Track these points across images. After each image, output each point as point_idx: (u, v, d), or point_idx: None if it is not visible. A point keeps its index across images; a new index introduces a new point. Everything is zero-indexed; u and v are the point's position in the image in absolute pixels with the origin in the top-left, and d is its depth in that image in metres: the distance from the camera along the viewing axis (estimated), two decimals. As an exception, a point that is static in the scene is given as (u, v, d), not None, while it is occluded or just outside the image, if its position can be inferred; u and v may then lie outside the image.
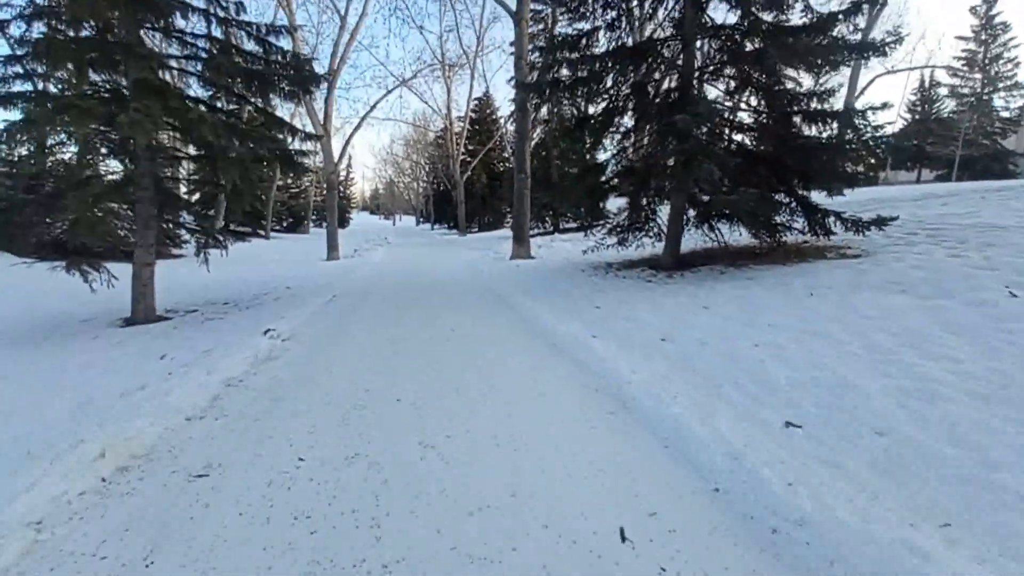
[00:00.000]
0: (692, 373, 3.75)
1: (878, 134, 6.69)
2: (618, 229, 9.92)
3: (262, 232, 28.50)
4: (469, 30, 30.76)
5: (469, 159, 31.27)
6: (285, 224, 34.70)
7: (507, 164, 35.81)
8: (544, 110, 23.48)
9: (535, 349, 4.77)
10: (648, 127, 8.65)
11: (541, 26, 18.16)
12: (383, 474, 2.57)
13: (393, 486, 2.46)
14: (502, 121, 33.53)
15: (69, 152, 8.70)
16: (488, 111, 34.60)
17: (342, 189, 54.98)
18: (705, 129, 6.93)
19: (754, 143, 7.47)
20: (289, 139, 8.96)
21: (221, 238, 9.72)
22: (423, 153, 45.78)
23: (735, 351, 3.94)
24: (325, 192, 16.87)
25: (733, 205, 6.33)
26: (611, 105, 8.42)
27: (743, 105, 8.12)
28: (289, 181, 35.36)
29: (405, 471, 2.60)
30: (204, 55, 7.29)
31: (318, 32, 20.54)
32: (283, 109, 24.38)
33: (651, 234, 10.01)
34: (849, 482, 2.26)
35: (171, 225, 8.71)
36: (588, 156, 23.45)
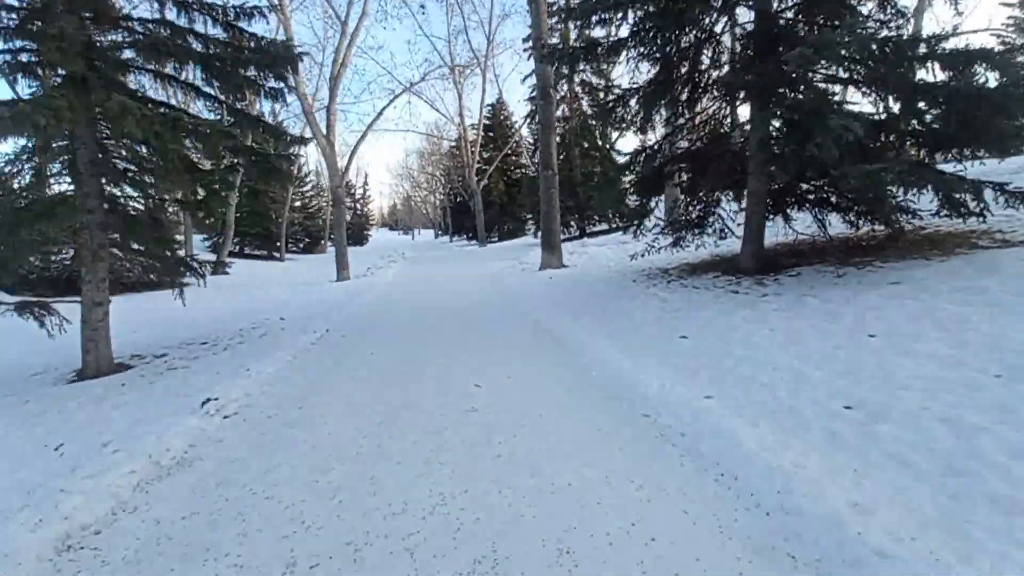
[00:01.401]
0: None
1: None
2: (673, 227, 7.97)
3: (276, 254, 27.30)
4: (478, 31, 29.30)
5: (485, 166, 29.63)
6: (302, 245, 33.53)
7: (524, 170, 34.09)
8: (563, 109, 21.68)
9: (619, 432, 2.85)
10: (716, 90, 6.73)
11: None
12: None
13: None
14: (517, 125, 31.85)
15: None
16: (502, 116, 32.98)
17: (359, 207, 54.11)
18: (822, 74, 4.97)
19: (876, 97, 5.45)
20: (271, 143, 7.32)
21: (195, 268, 8.11)
22: (438, 165, 44.43)
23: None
24: (316, 206, 15.28)
25: (870, 180, 4.33)
26: (666, 67, 6.50)
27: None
28: (305, 201, 34.30)
29: None
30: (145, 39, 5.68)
31: (323, 47, 19.22)
32: (294, 123, 23.12)
33: (712, 231, 8.05)
34: None
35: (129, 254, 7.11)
36: (610, 149, 21.59)
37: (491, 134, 31.45)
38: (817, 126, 4.34)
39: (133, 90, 5.84)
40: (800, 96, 4.71)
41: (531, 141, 37.02)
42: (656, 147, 7.33)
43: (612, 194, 8.04)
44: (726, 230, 8.16)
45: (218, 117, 6.74)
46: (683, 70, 6.77)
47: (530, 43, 21.14)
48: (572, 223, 21.43)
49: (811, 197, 7.40)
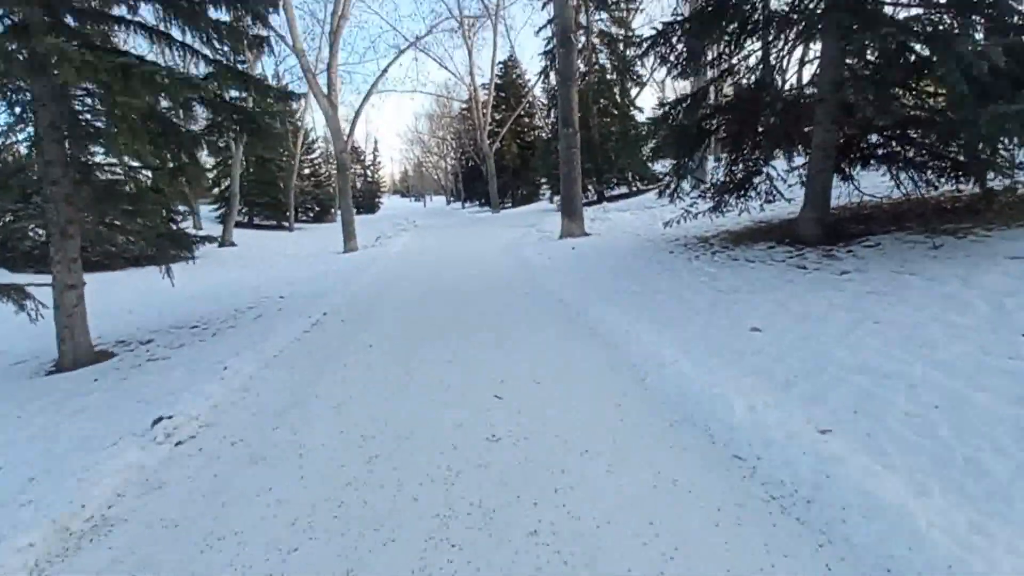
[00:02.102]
0: None
1: None
2: (715, 190, 6.92)
3: (286, 224, 26.57)
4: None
5: (497, 128, 28.16)
6: (312, 214, 32.72)
7: (538, 132, 32.49)
8: (580, 63, 20.07)
9: (708, 492, 1.92)
10: (772, 25, 5.55)
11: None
12: None
13: None
14: (530, 83, 30.09)
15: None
16: (514, 75, 31.16)
17: (369, 174, 52.86)
18: None
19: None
20: (255, 98, 6.39)
21: (184, 241, 7.36)
22: (448, 128, 42.79)
23: None
24: (332, 173, 14.36)
25: (1001, 127, 3.27)
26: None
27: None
28: (313, 168, 33.29)
29: None
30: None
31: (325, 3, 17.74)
32: (299, 86, 21.87)
33: (757, 193, 7.01)
34: None
35: (106, 228, 6.32)
36: (630, 104, 19.94)
37: (503, 94, 29.78)
38: (939, 55, 3.28)
39: (91, 39, 4.89)
40: (893, 26, 3.62)
41: (544, 101, 35.17)
42: (700, 95, 6.20)
43: (634, 152, 6.95)
44: (774, 192, 7.11)
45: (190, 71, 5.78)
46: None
47: (545, -11, 19.44)
48: (590, 187, 20.18)
49: (880, 152, 6.30)
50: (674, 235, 7.92)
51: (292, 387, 3.55)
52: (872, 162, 6.42)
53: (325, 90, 13.24)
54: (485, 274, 7.49)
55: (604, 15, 19.23)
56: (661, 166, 21.24)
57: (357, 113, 15.16)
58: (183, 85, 4.33)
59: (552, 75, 21.27)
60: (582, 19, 18.91)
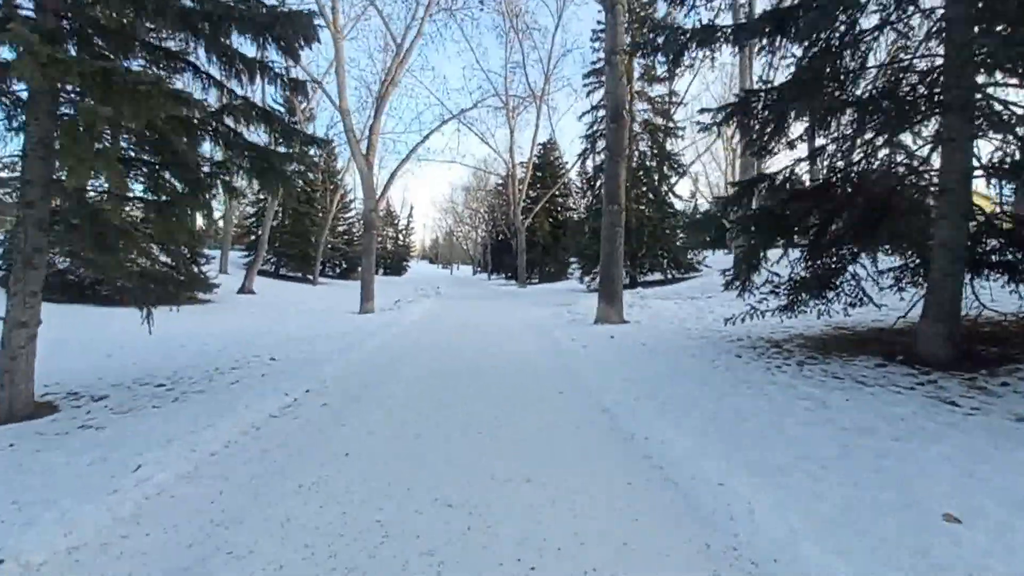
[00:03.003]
0: None
1: None
2: (790, 287, 5.75)
3: (311, 277, 26.21)
4: (535, 68, 28.37)
5: (531, 205, 28.10)
6: (339, 270, 32.57)
7: (571, 212, 32.43)
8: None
9: None
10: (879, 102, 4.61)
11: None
12: None
13: None
14: (567, 165, 30.42)
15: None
16: (552, 156, 31.70)
17: (401, 237, 53.67)
18: None
19: None
20: (278, 138, 5.69)
21: (176, 282, 6.47)
22: (483, 201, 43.48)
23: None
24: (361, 232, 13.78)
25: None
26: (825, 54, 4.50)
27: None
28: (347, 226, 33.61)
29: None
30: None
31: (375, 66, 18.30)
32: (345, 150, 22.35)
33: (839, 295, 5.82)
34: None
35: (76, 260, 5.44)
36: (668, 191, 19.35)
37: (539, 173, 30.08)
38: None
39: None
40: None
41: (579, 184, 35.59)
42: (787, 175, 5.21)
43: (708, 232, 5.89)
44: (860, 295, 5.91)
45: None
46: (835, 66, 4.72)
47: (591, 78, 19.81)
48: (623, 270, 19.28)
49: (1002, 257, 5.11)
50: (734, 334, 6.67)
51: (216, 518, 2.31)
52: (988, 270, 5.23)
53: (364, 150, 12.97)
54: (509, 358, 6.27)
55: (647, 106, 19.31)
56: (693, 255, 20.42)
57: (392, 175, 14.86)
58: (170, 100, 3.52)
59: (588, 161, 21.22)
60: (660, 61, 18.98)
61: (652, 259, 18.79)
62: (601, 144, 19.65)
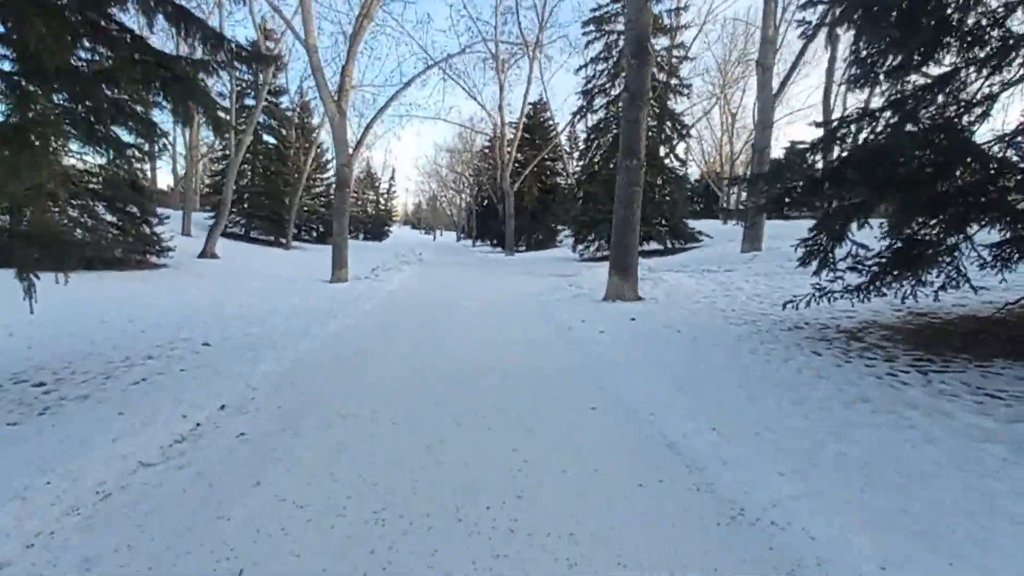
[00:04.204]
0: None
1: None
2: (880, 265, 4.36)
3: (284, 241, 24.18)
4: (530, 15, 25.94)
5: (520, 168, 26.21)
6: (315, 234, 30.42)
7: (559, 178, 30.63)
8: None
9: None
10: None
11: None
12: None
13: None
14: (559, 126, 28.45)
15: None
16: (542, 118, 29.61)
17: (382, 201, 51.15)
18: None
19: None
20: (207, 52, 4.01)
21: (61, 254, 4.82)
22: (468, 164, 41.19)
23: None
24: (335, 191, 12.03)
25: None
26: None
27: None
28: (324, 188, 31.27)
29: None
30: None
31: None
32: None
33: (944, 273, 4.49)
34: None
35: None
36: (669, 152, 17.69)
37: (528, 135, 28.02)
38: None
39: None
40: None
41: (569, 148, 33.58)
42: (909, 104, 3.70)
43: (781, 183, 4.40)
44: (957, 277, 4.59)
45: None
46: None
47: (590, 27, 17.77)
48: (617, 239, 17.79)
49: None
50: (786, 319, 5.34)
51: None
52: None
53: (335, 95, 11.03)
54: (510, 350, 4.83)
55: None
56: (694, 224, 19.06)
57: (369, 125, 12.96)
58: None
59: (583, 121, 19.34)
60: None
61: (650, 227, 17.37)
62: (600, 101, 17.86)
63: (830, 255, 4.23)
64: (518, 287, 9.91)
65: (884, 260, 4.39)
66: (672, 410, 3.04)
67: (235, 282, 11.13)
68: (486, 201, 36.64)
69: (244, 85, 24.38)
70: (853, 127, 3.86)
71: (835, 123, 3.94)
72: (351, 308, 6.89)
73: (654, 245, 17.92)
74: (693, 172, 33.07)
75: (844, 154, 3.84)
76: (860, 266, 4.50)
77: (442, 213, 60.87)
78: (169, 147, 26.43)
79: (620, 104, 9.26)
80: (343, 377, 3.86)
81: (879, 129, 3.87)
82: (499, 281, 11.36)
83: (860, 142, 3.82)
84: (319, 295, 8.58)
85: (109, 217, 12.88)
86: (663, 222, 17.00)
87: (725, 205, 32.68)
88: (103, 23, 3.60)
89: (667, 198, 17.18)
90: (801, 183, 4.01)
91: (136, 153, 13.23)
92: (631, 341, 4.88)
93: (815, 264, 4.28)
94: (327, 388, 3.57)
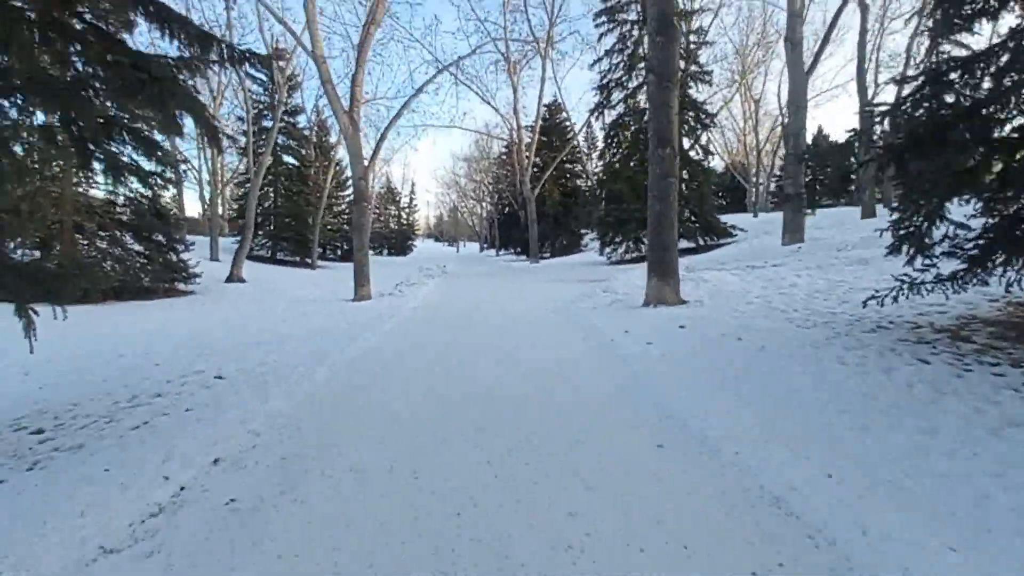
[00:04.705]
0: None
1: None
2: (969, 248, 3.60)
3: (309, 261, 24.21)
4: (538, 13, 25.36)
5: (539, 173, 25.66)
6: (339, 252, 30.51)
7: (580, 180, 29.97)
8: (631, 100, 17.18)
9: None
10: None
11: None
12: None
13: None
14: (575, 126, 27.82)
15: None
16: (558, 119, 29.06)
17: (404, 216, 51.36)
18: None
19: None
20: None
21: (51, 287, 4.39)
22: (487, 172, 40.90)
23: None
24: (352, 205, 11.72)
25: None
26: None
27: None
28: (344, 205, 31.40)
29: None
30: None
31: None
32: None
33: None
34: None
35: None
36: (693, 147, 16.74)
37: (544, 138, 27.47)
38: None
39: None
40: None
41: (586, 150, 32.88)
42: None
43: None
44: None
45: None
46: None
47: (602, 18, 17.14)
48: (633, 236, 16.98)
49: None
50: (863, 318, 4.59)
51: None
52: None
53: (348, 107, 10.72)
54: (548, 371, 4.24)
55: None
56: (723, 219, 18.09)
57: (384, 133, 12.62)
58: None
59: (601, 117, 18.62)
60: (643, 51, 16.44)
61: (680, 224, 16.54)
62: (618, 95, 17.19)
63: (926, 239, 3.50)
64: (547, 296, 9.31)
65: (985, 242, 3.64)
66: (763, 447, 2.40)
67: (259, 306, 10.88)
68: (507, 209, 36.22)
69: (261, 107, 24.69)
70: (955, 75, 3.14)
71: (936, 68, 3.21)
72: (373, 329, 6.43)
73: (685, 243, 17.02)
74: (717, 165, 31.90)
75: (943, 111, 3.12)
76: (959, 250, 3.76)
77: (464, 224, 60.82)
78: (196, 174, 26.95)
79: (645, 90, 8.62)
80: (359, 414, 3.34)
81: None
82: (526, 291, 10.79)
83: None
84: (341, 316, 8.17)
85: (137, 247, 12.94)
86: (692, 218, 16.17)
87: (753, 199, 31.41)
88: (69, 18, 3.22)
89: (695, 191, 16.34)
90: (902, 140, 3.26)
91: (158, 181, 13.32)
92: (686, 354, 4.23)
93: (909, 251, 3.55)
94: (340, 430, 3.05)
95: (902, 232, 3.52)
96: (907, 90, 3.44)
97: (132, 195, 12.59)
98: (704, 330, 4.96)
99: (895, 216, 3.62)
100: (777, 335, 4.45)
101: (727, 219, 18.07)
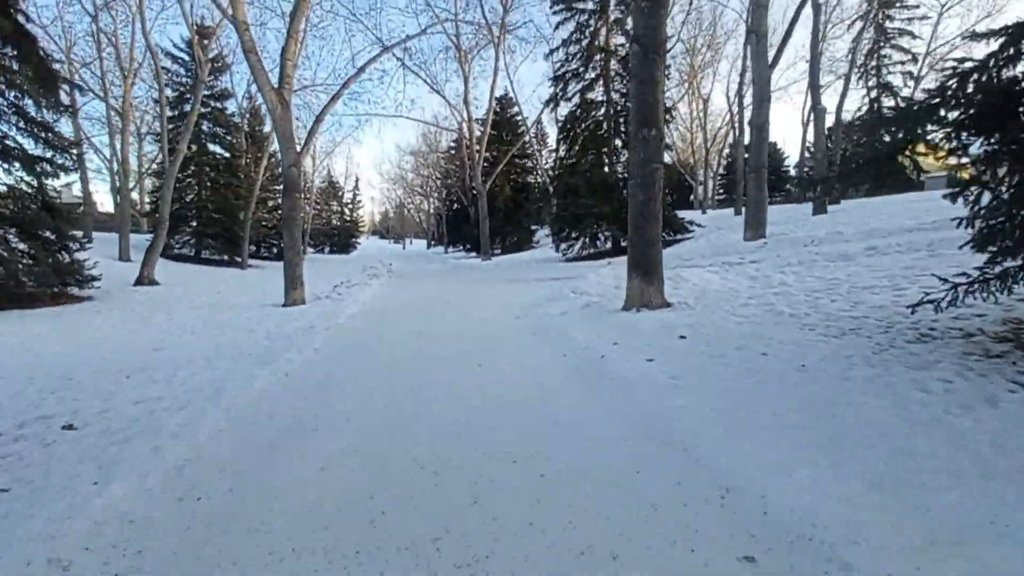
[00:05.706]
0: None
1: None
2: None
3: (239, 260, 21.85)
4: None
5: (490, 167, 24.53)
6: (275, 250, 27.98)
7: (531, 176, 29.16)
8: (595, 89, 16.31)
9: None
10: None
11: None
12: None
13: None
14: (527, 119, 26.93)
15: None
16: (510, 113, 28.08)
17: (347, 212, 48.67)
18: None
19: None
20: None
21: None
22: (435, 167, 39.23)
23: None
24: (281, 197, 10.20)
25: None
26: None
27: None
28: (277, 198, 28.86)
29: None
30: None
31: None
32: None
33: None
34: None
35: None
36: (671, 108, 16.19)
37: (495, 132, 26.38)
38: None
39: None
40: None
41: (538, 145, 32.07)
42: None
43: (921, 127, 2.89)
44: None
45: None
46: None
47: (559, 6, 16.26)
48: (603, 233, 16.34)
49: None
50: (893, 321, 3.86)
51: None
52: None
53: (276, 83, 9.16)
54: (525, 402, 3.19)
55: (624, 40, 16.11)
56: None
57: (320, 116, 11.08)
58: None
59: (550, 112, 17.76)
60: (600, 42, 15.74)
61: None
62: (574, 86, 16.38)
63: (1017, 230, 2.73)
64: (508, 299, 8.25)
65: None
66: (867, 531, 1.46)
67: (166, 314, 9.11)
68: (456, 205, 34.85)
69: (183, 90, 22.00)
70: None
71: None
72: (298, 345, 5.10)
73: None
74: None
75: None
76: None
77: (410, 221, 58.67)
78: (108, 163, 23.72)
79: (628, 62, 7.71)
80: (253, 502, 2.13)
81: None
82: (483, 293, 9.67)
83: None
84: (262, 327, 6.73)
85: (21, 245, 10.70)
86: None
87: (700, 197, 31.90)
88: None
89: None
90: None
91: (47, 167, 11.06)
92: (704, 378, 3.30)
93: (1001, 245, 2.77)
94: (218, 539, 1.85)
95: (995, 224, 2.73)
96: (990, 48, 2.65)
97: (15, 184, 10.39)
98: (711, 342, 4.08)
99: (983, 203, 2.82)
100: (806, 348, 3.63)
101: (682, 215, 17.83)
